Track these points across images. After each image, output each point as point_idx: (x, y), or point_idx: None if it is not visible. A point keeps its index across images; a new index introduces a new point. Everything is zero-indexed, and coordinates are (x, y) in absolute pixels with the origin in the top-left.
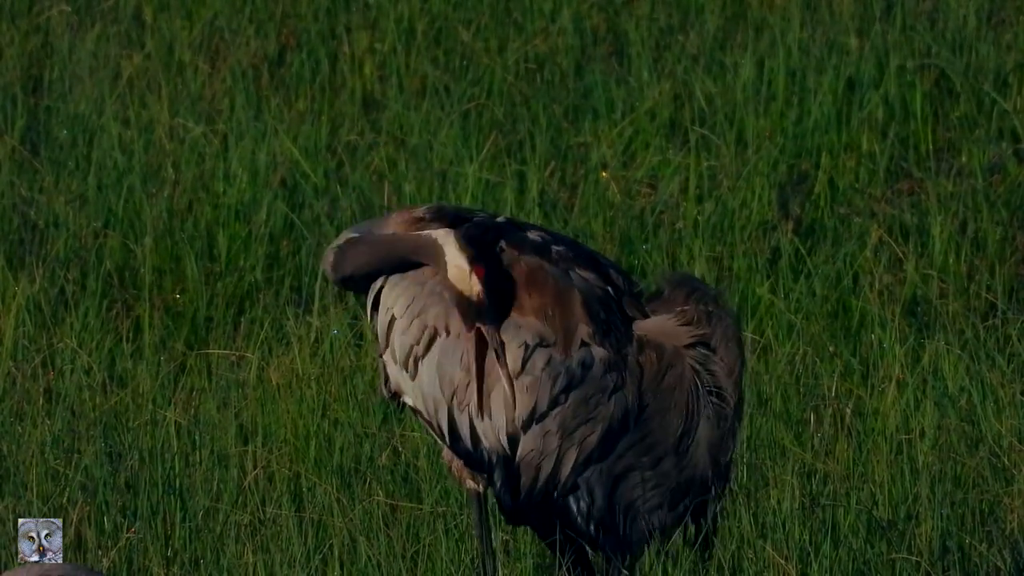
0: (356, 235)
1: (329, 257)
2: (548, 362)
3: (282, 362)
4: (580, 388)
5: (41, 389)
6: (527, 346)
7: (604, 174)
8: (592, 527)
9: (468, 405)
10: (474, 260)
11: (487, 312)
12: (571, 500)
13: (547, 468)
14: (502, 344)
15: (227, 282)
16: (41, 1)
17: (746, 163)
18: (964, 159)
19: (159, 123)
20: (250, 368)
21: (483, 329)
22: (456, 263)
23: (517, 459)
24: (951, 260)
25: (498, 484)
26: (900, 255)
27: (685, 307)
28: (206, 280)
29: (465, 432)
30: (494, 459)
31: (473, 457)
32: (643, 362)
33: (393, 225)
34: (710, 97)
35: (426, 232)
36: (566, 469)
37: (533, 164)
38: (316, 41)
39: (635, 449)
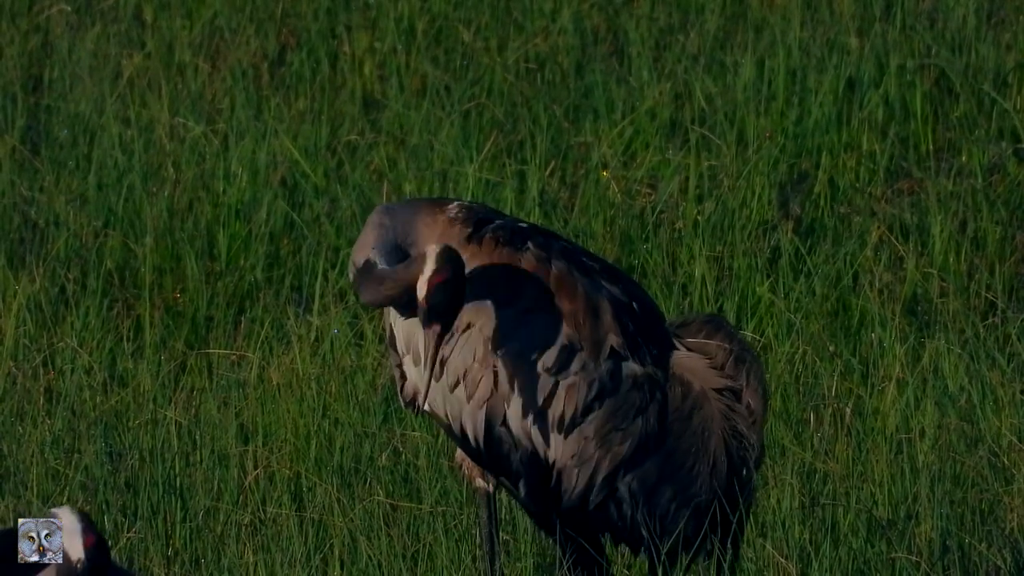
0: (370, 257)
1: (350, 271)
2: (583, 367)
3: (282, 362)
4: (612, 397)
5: (41, 389)
6: (563, 348)
7: (604, 174)
8: (630, 531)
9: (498, 408)
10: (439, 270)
11: (432, 315)
12: (611, 506)
13: (585, 474)
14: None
15: (227, 281)
16: (41, 1)
17: (746, 163)
18: (964, 159)
19: (159, 123)
20: (250, 368)
21: (431, 329)
22: (428, 269)
23: (557, 465)
24: (951, 259)
25: (523, 491)
26: (900, 254)
27: (716, 343)
28: (206, 279)
29: (492, 435)
30: (521, 464)
31: (496, 462)
32: (669, 393)
33: (428, 227)
34: (710, 97)
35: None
36: (601, 476)
37: (533, 164)
38: (316, 41)
39: (665, 470)
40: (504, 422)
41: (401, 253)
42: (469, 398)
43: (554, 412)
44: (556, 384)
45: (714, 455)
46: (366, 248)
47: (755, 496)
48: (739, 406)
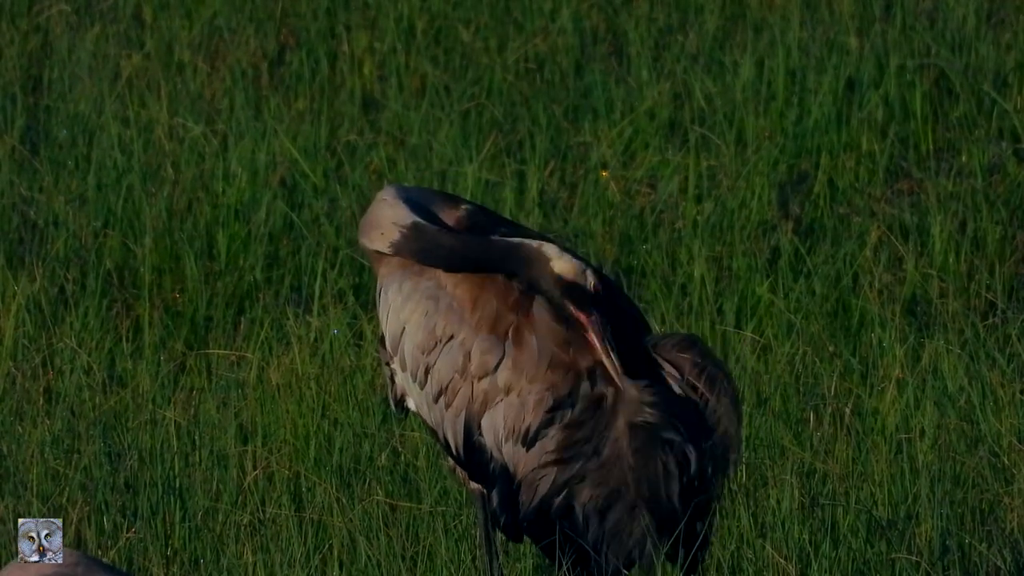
0: (418, 219)
1: (393, 234)
2: (554, 383)
3: (282, 362)
4: (574, 411)
5: (41, 389)
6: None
7: (604, 174)
8: (591, 543)
9: (473, 416)
10: (578, 257)
11: (598, 302)
12: (574, 516)
13: (544, 486)
14: (606, 328)
15: (227, 282)
16: (41, 1)
17: (746, 163)
18: (964, 159)
19: (158, 123)
20: (250, 368)
21: (592, 319)
22: (567, 260)
23: (519, 475)
24: (951, 259)
25: (495, 500)
26: (900, 255)
27: (690, 359)
28: (206, 280)
29: (469, 443)
30: (495, 472)
31: (474, 469)
32: (619, 428)
33: (445, 216)
34: (710, 97)
35: (515, 241)
36: (560, 489)
37: (533, 164)
38: (316, 40)
39: (620, 489)
40: (481, 433)
41: (429, 213)
42: (448, 406)
43: (521, 424)
44: (533, 395)
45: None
46: (404, 211)
47: (715, 521)
48: (691, 448)
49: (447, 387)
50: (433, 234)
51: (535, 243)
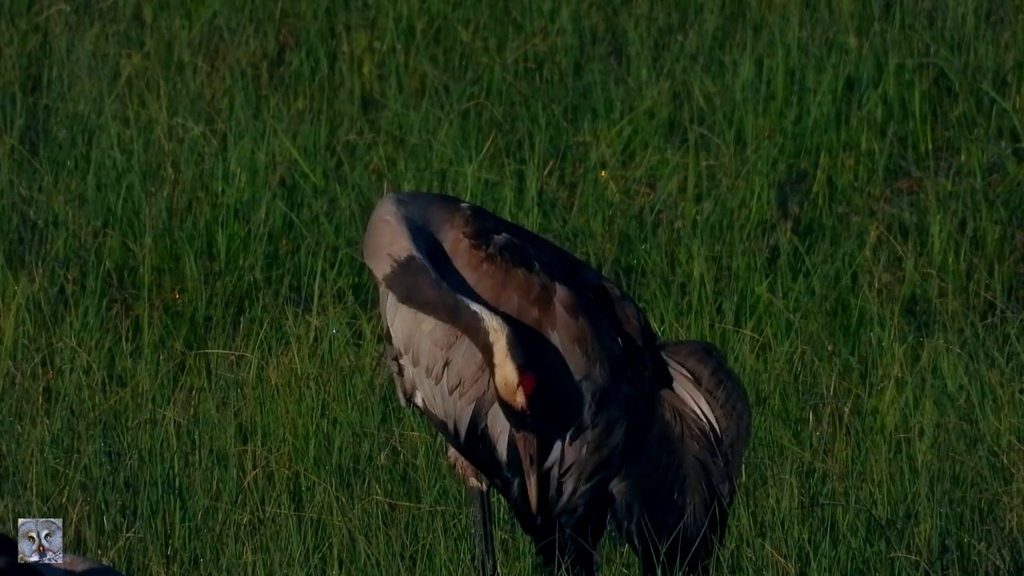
0: (414, 252)
1: (385, 266)
2: (587, 376)
3: (281, 362)
4: (607, 409)
5: (41, 388)
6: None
7: (603, 173)
8: (627, 536)
9: (484, 405)
10: (523, 370)
11: (529, 421)
12: (608, 512)
13: (572, 478)
14: (538, 452)
15: (226, 281)
16: (40, 0)
17: (745, 162)
18: (963, 158)
19: (158, 122)
20: (249, 368)
21: (523, 436)
22: (504, 372)
23: (548, 467)
24: (950, 259)
25: (516, 493)
26: (899, 254)
27: (710, 370)
28: (205, 279)
29: (488, 437)
30: (510, 464)
31: (491, 464)
32: (658, 420)
33: (445, 229)
34: (709, 96)
35: (481, 316)
36: (586, 482)
37: (532, 163)
38: (315, 40)
39: (650, 484)
40: (486, 423)
41: (425, 234)
42: (462, 396)
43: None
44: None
45: (689, 492)
46: (402, 240)
47: (726, 527)
48: (717, 451)
49: (465, 380)
50: (420, 280)
51: (493, 330)
